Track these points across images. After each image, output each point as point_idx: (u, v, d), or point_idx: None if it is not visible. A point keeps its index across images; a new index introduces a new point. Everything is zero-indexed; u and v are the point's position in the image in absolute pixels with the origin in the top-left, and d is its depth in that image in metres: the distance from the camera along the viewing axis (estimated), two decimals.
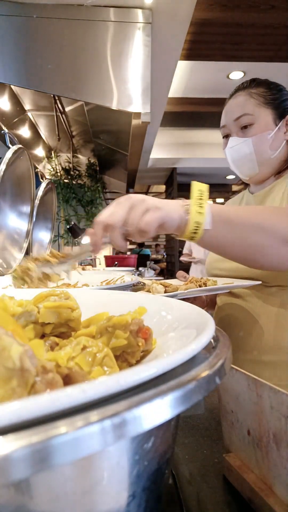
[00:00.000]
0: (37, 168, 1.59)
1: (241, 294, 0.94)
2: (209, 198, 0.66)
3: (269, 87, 0.97)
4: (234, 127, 0.98)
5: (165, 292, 0.82)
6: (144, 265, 4.42)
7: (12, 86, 2.09)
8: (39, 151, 3.67)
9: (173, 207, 0.61)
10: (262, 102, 0.96)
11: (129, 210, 0.59)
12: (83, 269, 1.46)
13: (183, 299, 0.96)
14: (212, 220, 0.62)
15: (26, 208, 1.45)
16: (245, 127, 0.95)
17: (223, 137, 1.04)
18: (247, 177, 1.01)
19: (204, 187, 0.64)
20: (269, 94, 0.96)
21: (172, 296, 0.75)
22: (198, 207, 0.62)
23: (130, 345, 0.26)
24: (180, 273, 1.05)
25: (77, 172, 4.44)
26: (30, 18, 1.77)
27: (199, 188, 0.64)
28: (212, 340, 0.25)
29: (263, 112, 0.95)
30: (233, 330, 0.93)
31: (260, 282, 0.84)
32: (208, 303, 1.08)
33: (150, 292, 0.81)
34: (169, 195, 6.88)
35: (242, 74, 3.38)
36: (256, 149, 0.95)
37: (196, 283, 0.90)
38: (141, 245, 8.63)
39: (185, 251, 4.27)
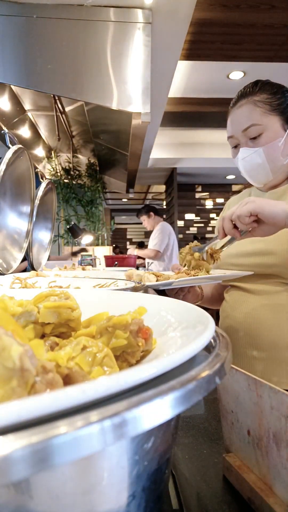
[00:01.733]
0: (37, 168, 1.59)
1: (253, 290, 0.95)
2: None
3: (272, 91, 0.95)
4: (243, 138, 0.97)
5: (157, 281, 0.85)
6: (144, 265, 4.43)
7: (12, 86, 2.09)
8: (39, 151, 3.67)
9: (267, 202, 0.76)
10: (268, 110, 0.94)
11: (236, 208, 0.79)
12: (83, 269, 1.46)
13: (176, 292, 0.97)
14: None
15: (26, 208, 1.45)
16: (254, 137, 0.95)
17: (232, 147, 1.04)
18: (261, 185, 1.02)
19: None
20: (274, 100, 0.94)
21: (164, 285, 0.82)
22: None
23: (130, 345, 0.26)
24: (175, 265, 1.07)
25: (77, 172, 4.44)
26: (30, 18, 1.77)
27: None
28: (212, 340, 0.25)
29: (270, 120, 0.93)
30: (241, 326, 0.93)
31: (252, 273, 0.91)
32: (202, 296, 1.09)
33: (142, 281, 0.86)
34: (169, 195, 6.88)
35: (242, 74, 3.38)
36: (268, 158, 0.95)
37: (187, 274, 0.91)
38: (141, 245, 8.64)
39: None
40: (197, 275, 0.90)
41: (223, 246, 0.96)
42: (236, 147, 1.02)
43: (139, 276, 0.92)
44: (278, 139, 0.94)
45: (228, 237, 0.87)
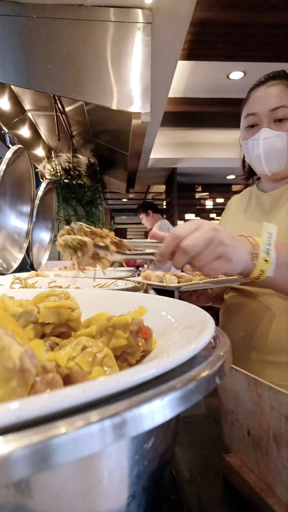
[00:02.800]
0: (37, 168, 1.59)
1: (253, 293, 0.93)
2: (209, 198, 0.67)
3: None
4: (267, 118, 0.92)
5: (179, 282, 0.81)
6: (143, 265, 4.42)
7: (12, 86, 2.09)
8: (39, 151, 3.67)
9: (242, 258, 0.62)
10: None
11: (206, 246, 0.58)
12: (83, 269, 1.46)
13: (190, 294, 0.94)
14: (275, 267, 0.63)
15: (26, 208, 1.45)
16: (279, 120, 0.90)
17: (248, 126, 0.97)
18: (271, 173, 0.96)
19: (274, 230, 0.65)
20: None
21: (185, 287, 0.77)
22: (265, 255, 0.63)
23: (130, 345, 0.26)
24: (187, 266, 1.04)
25: (77, 172, 4.44)
26: (30, 18, 1.77)
27: (268, 231, 0.64)
28: (212, 340, 0.25)
29: None
30: (241, 328, 0.92)
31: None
32: (214, 297, 1.07)
33: (163, 282, 0.83)
34: (169, 195, 6.88)
35: (242, 74, 3.38)
36: None
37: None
38: None
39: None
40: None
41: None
42: (253, 126, 0.96)
43: (159, 278, 0.89)
44: None
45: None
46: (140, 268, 4.07)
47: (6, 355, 0.17)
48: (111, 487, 0.19)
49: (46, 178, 1.73)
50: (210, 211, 7.28)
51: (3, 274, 1.17)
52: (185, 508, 0.33)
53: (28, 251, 1.49)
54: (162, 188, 7.65)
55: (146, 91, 1.86)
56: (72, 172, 4.35)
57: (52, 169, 4.13)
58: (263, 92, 0.93)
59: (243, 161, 1.13)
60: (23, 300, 0.30)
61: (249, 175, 1.17)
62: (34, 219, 1.49)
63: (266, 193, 1.02)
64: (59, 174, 4.22)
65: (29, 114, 2.65)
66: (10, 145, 1.22)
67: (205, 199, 7.27)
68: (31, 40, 1.78)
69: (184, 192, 6.80)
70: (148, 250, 0.64)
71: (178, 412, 0.17)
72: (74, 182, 4.49)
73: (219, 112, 4.15)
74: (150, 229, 4.19)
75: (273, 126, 0.91)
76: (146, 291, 0.77)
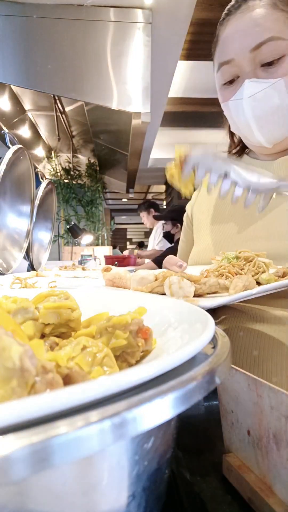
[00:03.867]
0: (37, 168, 1.59)
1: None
2: None
3: None
4: (251, 62, 0.61)
5: (201, 295, 0.51)
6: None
7: (12, 86, 2.09)
8: (39, 151, 3.67)
9: None
10: None
11: None
12: (83, 269, 1.46)
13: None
14: None
15: (26, 208, 1.45)
16: (269, 62, 0.59)
17: (224, 84, 0.67)
18: (271, 144, 0.67)
19: None
20: None
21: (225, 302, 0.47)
22: None
23: (130, 345, 0.26)
24: (175, 261, 0.70)
25: (77, 172, 4.44)
26: (30, 18, 1.77)
27: None
28: (212, 340, 0.25)
29: None
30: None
31: None
32: None
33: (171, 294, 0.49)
34: (169, 195, 6.88)
35: None
36: None
37: (218, 272, 0.58)
38: (141, 245, 8.63)
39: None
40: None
41: None
42: (232, 82, 0.65)
43: (148, 282, 0.55)
44: None
45: None
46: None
47: (6, 355, 0.17)
48: (111, 487, 0.19)
49: (46, 178, 1.73)
50: None
51: (3, 274, 1.17)
52: (185, 508, 0.33)
53: (28, 251, 1.49)
54: (162, 188, 7.65)
55: (146, 91, 1.86)
56: (72, 172, 4.36)
57: (52, 169, 4.13)
58: (236, 25, 0.62)
59: (230, 131, 0.85)
60: (17, 297, 0.30)
61: (242, 148, 0.85)
62: (34, 219, 1.49)
63: (270, 160, 0.73)
64: (59, 174, 4.23)
65: (29, 114, 2.66)
66: (10, 145, 1.22)
67: None
68: (31, 40, 1.79)
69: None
70: None
71: (178, 412, 0.17)
72: (74, 182, 4.49)
73: (219, 112, 4.14)
74: (151, 229, 4.17)
75: (260, 74, 0.61)
76: None
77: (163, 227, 3.73)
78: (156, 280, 0.54)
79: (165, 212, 4.10)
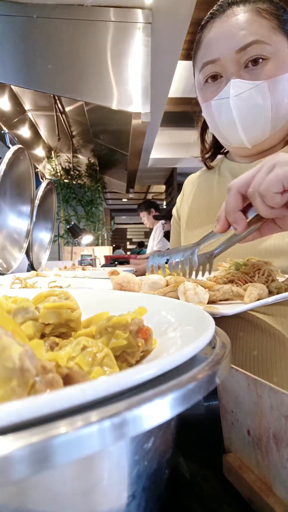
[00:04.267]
0: (37, 168, 1.59)
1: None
2: None
3: (277, 5, 0.65)
4: (235, 63, 0.63)
5: (210, 290, 0.51)
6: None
7: (12, 86, 2.09)
8: (39, 151, 3.67)
9: None
10: (276, 25, 0.62)
11: (255, 172, 0.44)
12: (83, 269, 1.46)
13: None
14: None
15: (26, 208, 1.45)
16: (254, 62, 0.62)
17: (207, 80, 0.68)
18: (251, 144, 0.68)
19: None
20: (281, 14, 0.63)
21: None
22: None
23: (129, 345, 0.26)
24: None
25: (77, 172, 4.45)
26: (30, 18, 1.77)
27: None
28: (212, 340, 0.25)
29: (280, 42, 0.62)
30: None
31: None
32: None
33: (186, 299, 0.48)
34: (169, 195, 6.88)
35: None
36: (273, 99, 0.62)
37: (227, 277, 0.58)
38: (141, 245, 8.62)
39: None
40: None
41: (216, 252, 0.54)
42: (214, 78, 0.67)
43: (160, 287, 0.54)
44: (285, 72, 0.62)
45: (227, 234, 0.52)
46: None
47: (6, 355, 0.17)
48: (111, 487, 0.19)
49: (46, 178, 1.73)
50: None
51: (3, 274, 1.17)
52: (185, 508, 0.33)
53: (28, 251, 1.49)
54: (162, 188, 7.65)
55: (146, 91, 1.86)
56: (72, 172, 4.36)
57: (52, 169, 4.13)
58: (222, 27, 0.64)
59: (202, 135, 0.86)
60: (17, 297, 0.30)
61: (214, 153, 0.87)
62: (34, 219, 1.49)
63: (249, 163, 0.75)
64: (59, 174, 4.23)
65: (29, 114, 2.66)
66: (10, 145, 1.22)
67: None
68: (31, 40, 1.79)
69: None
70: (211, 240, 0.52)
71: (178, 412, 0.17)
72: (74, 182, 4.49)
73: None
74: (151, 229, 4.16)
75: (244, 75, 0.63)
76: None
77: (163, 226, 3.73)
78: (167, 285, 0.54)
79: (165, 212, 4.08)
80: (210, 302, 0.51)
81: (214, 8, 0.68)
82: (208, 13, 0.69)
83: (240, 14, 0.63)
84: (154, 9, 1.88)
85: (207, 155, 0.86)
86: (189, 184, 0.91)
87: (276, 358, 0.79)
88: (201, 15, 0.76)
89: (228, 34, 0.63)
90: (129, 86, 1.85)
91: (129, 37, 1.86)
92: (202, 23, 0.70)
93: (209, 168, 0.86)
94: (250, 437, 0.34)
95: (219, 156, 0.88)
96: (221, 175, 0.81)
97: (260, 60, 0.62)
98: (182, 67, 3.18)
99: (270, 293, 0.53)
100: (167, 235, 3.40)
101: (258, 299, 0.49)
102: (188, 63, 3.15)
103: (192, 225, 0.83)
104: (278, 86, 0.62)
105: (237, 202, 0.46)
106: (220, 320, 0.99)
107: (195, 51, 0.72)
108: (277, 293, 0.53)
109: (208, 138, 0.86)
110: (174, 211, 0.99)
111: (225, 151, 0.87)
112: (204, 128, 0.85)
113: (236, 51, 0.62)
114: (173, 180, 6.30)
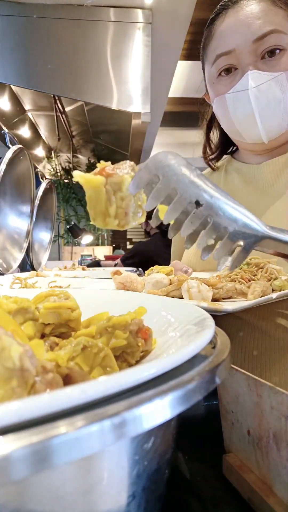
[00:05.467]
0: (37, 168, 1.59)
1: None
2: None
3: None
4: (252, 54, 0.61)
5: (217, 300, 0.50)
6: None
7: (12, 86, 2.09)
8: (39, 151, 3.67)
9: None
10: None
11: None
12: (83, 269, 1.46)
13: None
14: None
15: (26, 208, 1.45)
16: (271, 53, 0.60)
17: (220, 74, 0.65)
18: (268, 139, 0.65)
19: None
20: None
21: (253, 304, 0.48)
22: None
23: (129, 345, 0.26)
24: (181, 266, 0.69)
25: None
26: (30, 18, 1.77)
27: None
28: (212, 340, 0.25)
29: None
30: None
31: None
32: None
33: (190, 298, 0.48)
34: None
35: None
36: None
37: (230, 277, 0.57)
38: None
39: None
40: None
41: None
42: (228, 73, 0.65)
43: (163, 286, 0.53)
44: None
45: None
46: (140, 269, 4.05)
47: (6, 355, 0.17)
48: (111, 487, 0.19)
49: (46, 178, 1.73)
50: None
51: (3, 274, 1.17)
52: (185, 508, 0.33)
53: (28, 251, 1.49)
54: None
55: (146, 91, 1.86)
56: (72, 172, 4.35)
57: (52, 169, 4.13)
58: (237, 16, 0.61)
59: (207, 134, 0.83)
60: (18, 297, 0.30)
61: (220, 153, 0.84)
62: (34, 219, 1.49)
63: (258, 164, 0.72)
64: (59, 174, 4.23)
65: (29, 114, 2.66)
66: (10, 145, 1.22)
67: None
68: (31, 40, 1.78)
69: None
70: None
71: (178, 412, 0.17)
72: (74, 182, 4.48)
73: None
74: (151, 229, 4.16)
75: (261, 66, 0.61)
76: None
77: (141, 225, 3.74)
78: (170, 284, 0.54)
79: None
80: (214, 299, 0.51)
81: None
82: (219, 5, 0.66)
83: (254, 4, 0.60)
84: (154, 9, 1.88)
85: (212, 156, 0.84)
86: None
87: (276, 358, 0.79)
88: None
89: (244, 23, 0.60)
90: (129, 86, 1.85)
91: (129, 37, 1.86)
92: (212, 16, 0.67)
93: (213, 169, 0.84)
94: (250, 437, 0.34)
95: (224, 157, 0.86)
96: (228, 173, 0.78)
97: (278, 50, 0.59)
98: (182, 67, 3.18)
99: (273, 291, 0.53)
100: (147, 234, 3.36)
101: (262, 296, 0.49)
102: (188, 63, 3.15)
103: None
104: None
105: None
106: (220, 320, 0.99)
107: (205, 45, 0.69)
108: (280, 291, 0.53)
109: (214, 138, 0.83)
110: None
111: (233, 150, 0.84)
112: (210, 127, 0.83)
113: (253, 41, 0.60)
114: None
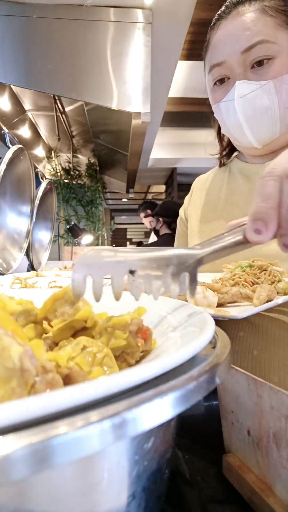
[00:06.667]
0: (37, 168, 1.59)
1: None
2: None
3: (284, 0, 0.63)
4: (241, 64, 0.63)
5: (218, 293, 0.49)
6: None
7: (12, 86, 2.09)
8: (39, 151, 3.67)
9: None
10: (282, 22, 0.61)
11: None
12: None
13: None
14: None
15: (26, 208, 1.45)
16: (259, 63, 0.61)
17: (215, 84, 0.69)
18: (261, 145, 0.68)
19: None
20: None
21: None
22: None
23: (129, 345, 0.26)
24: None
25: (77, 172, 4.44)
26: (30, 18, 1.77)
27: None
28: (212, 340, 0.25)
29: (287, 39, 0.61)
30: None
31: None
32: None
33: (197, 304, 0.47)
34: (169, 195, 6.88)
35: None
36: (280, 99, 0.62)
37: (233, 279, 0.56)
38: (140, 245, 8.61)
39: None
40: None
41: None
42: (222, 82, 0.67)
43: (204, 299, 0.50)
44: None
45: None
46: None
47: (6, 355, 0.17)
48: (111, 487, 0.19)
49: (46, 178, 1.73)
50: None
51: (3, 274, 1.17)
52: (185, 508, 0.33)
53: (28, 251, 1.49)
54: (162, 188, 7.65)
55: (146, 91, 1.86)
56: (72, 172, 4.35)
57: (52, 169, 4.13)
58: (227, 29, 0.64)
59: (219, 133, 0.86)
60: (22, 299, 0.30)
61: (230, 151, 0.87)
62: (34, 219, 1.49)
63: (261, 163, 0.74)
64: (59, 174, 4.23)
65: (29, 114, 2.65)
66: (10, 145, 1.22)
67: None
68: (31, 40, 1.79)
69: (184, 192, 6.77)
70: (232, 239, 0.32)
71: (178, 412, 0.17)
72: (74, 182, 4.49)
73: None
74: (151, 229, 4.16)
75: (251, 76, 0.63)
76: None
77: (150, 224, 3.74)
78: None
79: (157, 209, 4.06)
80: (219, 304, 0.51)
81: (221, 9, 0.68)
82: (216, 14, 0.69)
83: (246, 14, 0.62)
84: (154, 9, 1.88)
85: (224, 152, 0.86)
86: (198, 184, 0.91)
87: (276, 358, 0.79)
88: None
89: (233, 36, 0.63)
90: (129, 86, 1.85)
91: (129, 37, 1.86)
92: (211, 25, 0.71)
93: (221, 165, 0.86)
94: (250, 437, 0.34)
95: (234, 154, 0.88)
96: (231, 173, 0.81)
97: (265, 60, 0.61)
98: (182, 67, 3.18)
99: (277, 293, 0.53)
100: (156, 232, 3.36)
101: (267, 301, 0.49)
102: (188, 63, 3.15)
103: (207, 219, 0.82)
104: (285, 85, 0.62)
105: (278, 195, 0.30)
106: (220, 321, 0.99)
107: (204, 52, 0.73)
108: (284, 294, 0.53)
109: (224, 140, 0.87)
110: (181, 212, 0.99)
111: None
112: (219, 130, 0.86)
113: (241, 53, 0.62)
114: (173, 180, 6.29)
